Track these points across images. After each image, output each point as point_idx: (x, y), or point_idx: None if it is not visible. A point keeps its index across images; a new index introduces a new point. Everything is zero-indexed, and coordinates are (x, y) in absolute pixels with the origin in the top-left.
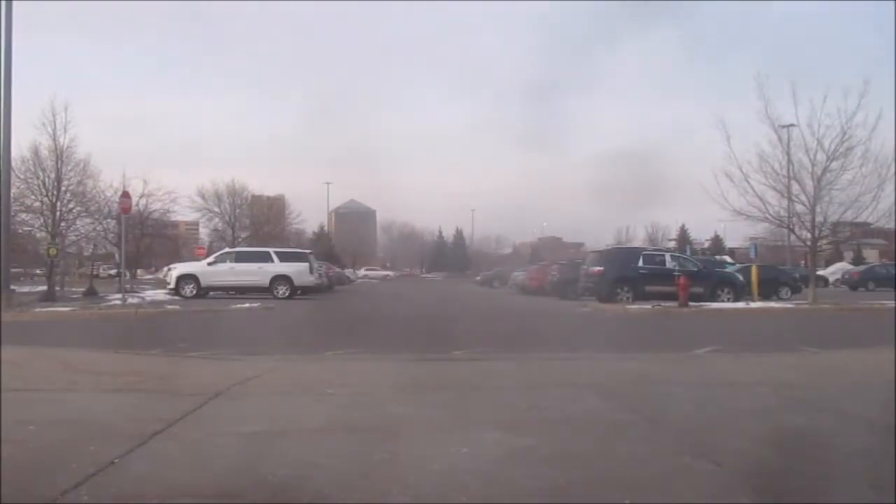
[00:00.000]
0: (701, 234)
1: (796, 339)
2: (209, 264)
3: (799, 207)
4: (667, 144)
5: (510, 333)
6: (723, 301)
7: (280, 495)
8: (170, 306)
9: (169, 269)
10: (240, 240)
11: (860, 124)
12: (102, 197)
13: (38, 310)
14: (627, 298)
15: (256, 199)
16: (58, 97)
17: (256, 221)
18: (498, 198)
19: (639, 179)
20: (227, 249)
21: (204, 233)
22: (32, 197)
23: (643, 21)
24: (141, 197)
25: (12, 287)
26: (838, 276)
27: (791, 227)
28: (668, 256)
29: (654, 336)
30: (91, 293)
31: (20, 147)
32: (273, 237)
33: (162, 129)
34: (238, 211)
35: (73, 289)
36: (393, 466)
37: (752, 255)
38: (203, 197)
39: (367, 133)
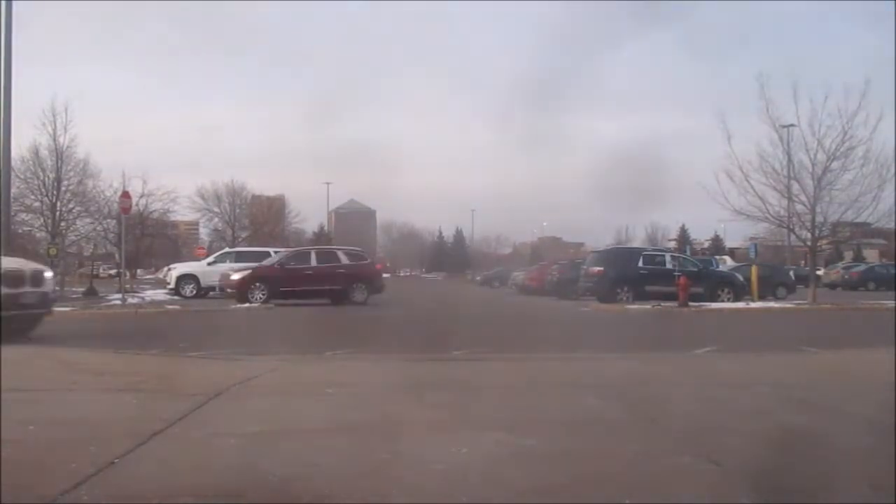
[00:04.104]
0: (701, 234)
1: (796, 339)
2: (209, 264)
3: (799, 207)
4: (667, 144)
5: (510, 333)
6: (723, 301)
7: (280, 495)
8: (170, 306)
9: (169, 269)
10: (240, 240)
11: (861, 124)
12: (102, 197)
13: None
14: (627, 298)
15: (256, 199)
16: (58, 97)
17: (256, 221)
18: (498, 198)
19: (639, 179)
20: (227, 249)
21: (204, 233)
22: (32, 197)
23: (643, 21)
24: (141, 197)
25: None
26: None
27: (791, 227)
28: (668, 256)
29: (654, 336)
30: (91, 293)
31: (20, 147)
32: (273, 237)
33: (161, 129)
34: (238, 211)
35: (73, 289)
36: (393, 466)
37: (752, 255)
38: (203, 197)
39: (367, 133)
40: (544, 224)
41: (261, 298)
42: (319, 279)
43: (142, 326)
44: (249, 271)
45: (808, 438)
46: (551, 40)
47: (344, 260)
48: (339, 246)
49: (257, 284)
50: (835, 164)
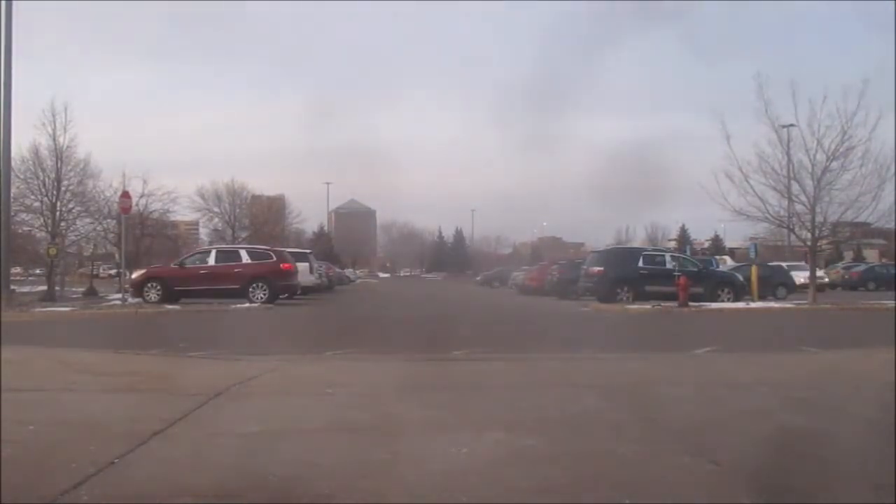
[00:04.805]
0: (701, 234)
1: (796, 339)
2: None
3: (799, 207)
4: (666, 144)
5: (510, 333)
6: (723, 301)
7: (280, 495)
8: (170, 306)
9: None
10: (240, 240)
11: (860, 124)
12: (102, 197)
13: (38, 310)
14: (627, 298)
15: (256, 199)
16: (58, 97)
17: (256, 221)
18: (498, 198)
19: (638, 179)
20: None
21: (204, 233)
22: (32, 197)
23: (643, 21)
24: (141, 197)
25: (12, 287)
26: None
27: (791, 227)
28: (668, 256)
29: (654, 336)
30: (91, 293)
31: (20, 147)
32: (273, 237)
33: (161, 130)
34: (238, 211)
35: (73, 289)
36: (393, 466)
37: (752, 255)
38: (203, 197)
39: (367, 133)
40: (544, 224)
41: (156, 298)
42: (216, 278)
43: (142, 326)
44: (144, 270)
45: (808, 438)
46: (551, 40)
47: (245, 259)
48: (250, 245)
49: (152, 284)
50: (834, 164)
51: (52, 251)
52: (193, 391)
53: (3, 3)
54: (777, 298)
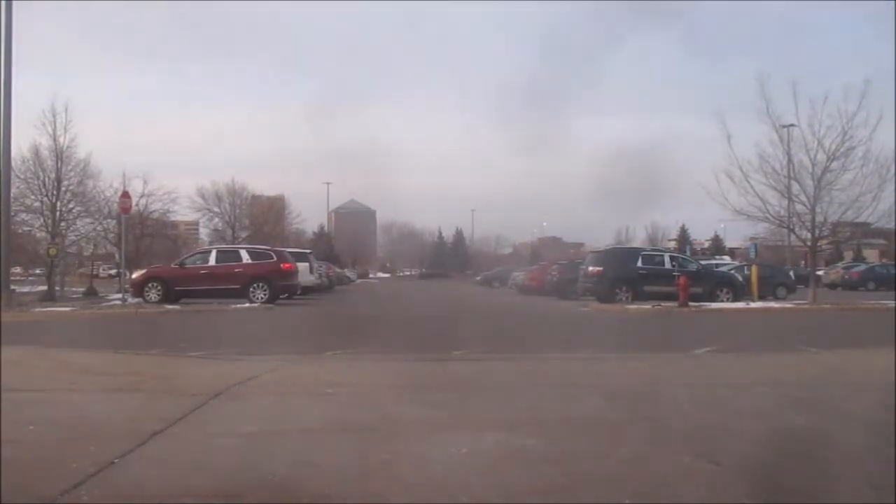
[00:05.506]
0: (701, 234)
1: (796, 339)
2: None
3: (799, 207)
4: (667, 144)
5: (510, 333)
6: (723, 301)
7: (280, 495)
8: (169, 306)
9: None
10: (240, 240)
11: (861, 124)
12: (102, 197)
13: (38, 310)
14: (627, 298)
15: (256, 199)
16: (58, 97)
17: (256, 221)
18: (498, 198)
19: (639, 179)
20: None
21: (204, 233)
22: (32, 197)
23: (643, 21)
24: (141, 197)
25: (12, 287)
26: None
27: (791, 227)
28: (667, 257)
29: (654, 336)
30: (91, 293)
31: (20, 147)
32: (273, 237)
33: (162, 130)
34: (238, 211)
35: (73, 289)
36: (393, 466)
37: (752, 254)
38: (203, 197)
39: (367, 133)
40: (544, 224)
41: (156, 298)
42: (217, 278)
43: (142, 326)
44: (145, 270)
45: (808, 439)
46: (551, 40)
47: (245, 258)
48: (251, 245)
49: (152, 284)
50: (835, 165)
51: (52, 251)
52: (193, 391)
53: (3, 3)
54: (777, 298)
